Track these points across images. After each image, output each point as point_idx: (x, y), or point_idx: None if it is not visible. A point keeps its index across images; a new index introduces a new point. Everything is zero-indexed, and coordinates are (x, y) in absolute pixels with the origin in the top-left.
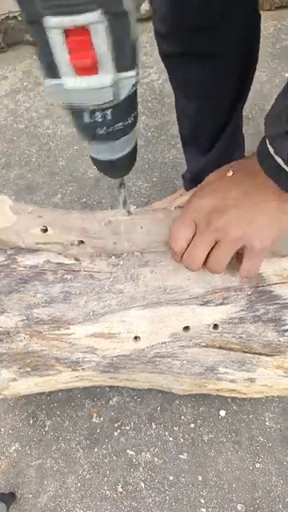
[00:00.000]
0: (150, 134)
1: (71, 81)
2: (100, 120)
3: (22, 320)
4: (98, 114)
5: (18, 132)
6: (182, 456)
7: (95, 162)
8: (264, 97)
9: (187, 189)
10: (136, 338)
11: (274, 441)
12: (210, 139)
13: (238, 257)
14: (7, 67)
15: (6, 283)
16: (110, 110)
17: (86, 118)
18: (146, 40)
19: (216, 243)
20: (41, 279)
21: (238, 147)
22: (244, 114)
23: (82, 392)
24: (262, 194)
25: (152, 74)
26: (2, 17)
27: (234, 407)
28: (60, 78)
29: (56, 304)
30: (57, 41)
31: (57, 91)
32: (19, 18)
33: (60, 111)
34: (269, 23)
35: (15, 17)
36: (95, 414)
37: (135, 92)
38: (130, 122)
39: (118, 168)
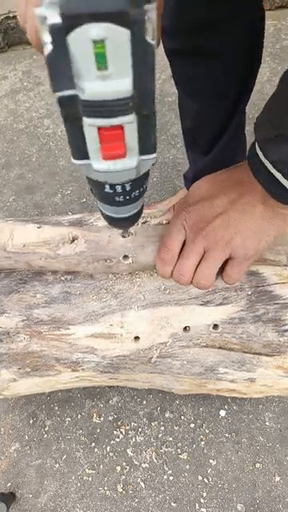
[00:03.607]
0: None
1: (99, 164)
2: (120, 191)
3: (22, 320)
4: (119, 187)
5: (17, 132)
6: (181, 456)
7: (106, 217)
8: (264, 97)
9: (189, 188)
10: (136, 338)
11: (273, 441)
12: (212, 138)
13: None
14: (7, 67)
15: (5, 283)
16: (129, 183)
17: (107, 189)
18: None
19: (204, 255)
20: (41, 279)
21: (239, 147)
22: None
23: (82, 392)
24: (248, 201)
25: None
26: (2, 17)
27: (234, 407)
28: (88, 159)
29: (56, 304)
30: (91, 134)
31: (84, 169)
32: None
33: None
34: (269, 23)
35: (15, 17)
36: (95, 414)
37: None
38: (144, 187)
39: (127, 222)
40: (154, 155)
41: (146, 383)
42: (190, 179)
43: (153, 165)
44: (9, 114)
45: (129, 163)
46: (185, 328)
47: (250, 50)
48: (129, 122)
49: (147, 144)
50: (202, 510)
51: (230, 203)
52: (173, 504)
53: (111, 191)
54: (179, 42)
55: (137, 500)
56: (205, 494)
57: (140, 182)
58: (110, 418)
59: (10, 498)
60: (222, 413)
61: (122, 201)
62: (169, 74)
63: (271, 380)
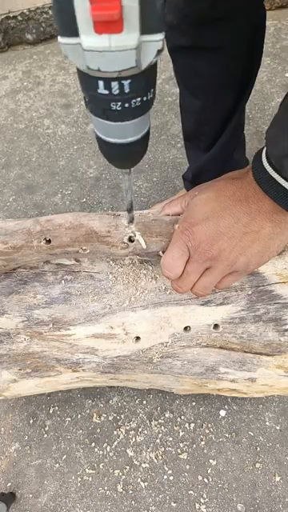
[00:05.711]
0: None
1: (90, 40)
2: (116, 92)
3: (23, 321)
4: (115, 85)
5: (17, 132)
6: (181, 456)
7: (102, 145)
8: (264, 97)
9: (188, 189)
10: (136, 338)
11: (273, 441)
12: (213, 136)
13: None
14: (7, 67)
15: (6, 284)
16: (128, 81)
17: (101, 89)
18: None
19: (206, 269)
20: (41, 280)
21: (238, 145)
22: None
23: (82, 392)
24: (256, 222)
25: None
26: (2, 17)
27: (234, 407)
28: (78, 36)
29: (56, 305)
30: None
31: (72, 52)
32: (19, 18)
33: (60, 111)
34: (269, 23)
35: (15, 17)
36: (95, 414)
37: (156, 63)
38: (148, 98)
39: (129, 155)
40: (159, 36)
41: (147, 383)
42: (190, 179)
43: (158, 55)
44: (9, 114)
45: (127, 40)
46: (185, 328)
47: (250, 48)
48: None
49: (150, 15)
50: (202, 509)
51: (236, 225)
52: (173, 504)
53: (106, 92)
54: (184, 37)
55: (137, 500)
56: (205, 494)
57: (142, 83)
58: (110, 418)
59: (9, 497)
60: (222, 413)
61: (118, 110)
62: (169, 74)
63: (272, 380)
